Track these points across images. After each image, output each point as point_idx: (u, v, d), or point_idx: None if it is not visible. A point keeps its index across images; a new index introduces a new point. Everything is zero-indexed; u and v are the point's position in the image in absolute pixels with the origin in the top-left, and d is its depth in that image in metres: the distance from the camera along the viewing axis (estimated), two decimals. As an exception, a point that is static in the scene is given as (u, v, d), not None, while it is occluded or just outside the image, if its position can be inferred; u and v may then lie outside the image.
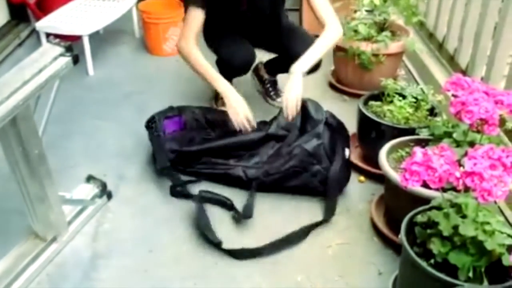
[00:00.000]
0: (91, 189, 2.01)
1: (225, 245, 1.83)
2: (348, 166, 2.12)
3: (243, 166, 2.12)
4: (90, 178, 2.04)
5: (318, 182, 2.03)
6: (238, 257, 1.80)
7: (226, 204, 2.03)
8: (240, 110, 2.16)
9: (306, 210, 2.01)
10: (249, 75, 2.67)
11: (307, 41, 2.34)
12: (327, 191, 2.02)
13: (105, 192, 2.03)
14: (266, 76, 2.76)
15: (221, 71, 2.36)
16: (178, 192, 2.09)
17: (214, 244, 1.83)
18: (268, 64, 2.75)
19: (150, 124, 2.27)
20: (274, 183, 2.06)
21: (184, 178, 2.16)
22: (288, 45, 2.42)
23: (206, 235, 1.86)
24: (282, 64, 2.52)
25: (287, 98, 2.15)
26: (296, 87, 2.14)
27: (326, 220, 1.94)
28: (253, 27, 2.46)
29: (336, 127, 2.12)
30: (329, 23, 2.26)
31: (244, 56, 2.40)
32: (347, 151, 2.12)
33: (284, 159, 2.06)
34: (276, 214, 2.00)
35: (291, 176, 2.04)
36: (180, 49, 2.28)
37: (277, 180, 2.06)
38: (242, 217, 1.95)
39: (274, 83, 2.76)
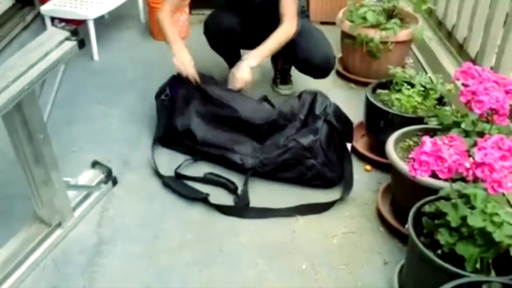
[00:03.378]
0: (96, 175, 2.00)
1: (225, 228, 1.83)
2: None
3: (241, 154, 2.12)
4: (95, 164, 2.04)
5: (312, 176, 2.03)
6: (226, 212, 1.92)
7: (230, 188, 2.04)
8: (183, 59, 2.27)
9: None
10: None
11: (320, 46, 2.39)
12: (344, 186, 2.03)
13: (110, 178, 2.03)
14: (280, 64, 2.73)
15: (206, 36, 2.55)
16: (181, 175, 2.09)
17: (202, 199, 1.95)
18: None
19: (161, 94, 2.33)
20: (268, 173, 2.08)
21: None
22: (297, 46, 2.40)
23: (192, 196, 1.98)
24: (293, 59, 2.50)
25: (235, 76, 2.26)
26: (241, 71, 2.25)
27: (324, 206, 1.95)
28: (247, 14, 2.42)
29: (337, 124, 2.09)
30: (285, 21, 2.30)
31: (220, 22, 2.45)
32: (348, 146, 2.11)
33: (280, 150, 2.06)
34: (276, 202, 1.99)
35: (285, 168, 2.05)
36: (157, 19, 2.42)
37: (271, 171, 2.07)
38: (239, 204, 1.97)
39: (285, 72, 2.74)
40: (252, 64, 2.25)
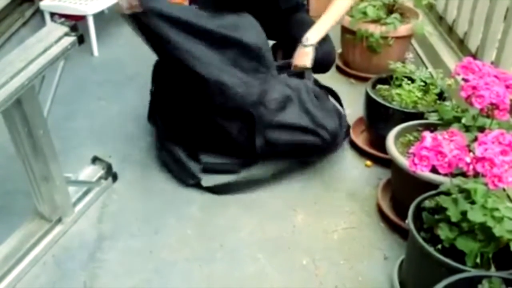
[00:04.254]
0: (96, 171, 2.00)
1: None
2: None
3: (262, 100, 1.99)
4: (95, 160, 2.04)
5: (311, 122, 2.00)
6: (218, 192, 1.98)
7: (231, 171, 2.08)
8: None
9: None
10: None
11: (321, 41, 2.30)
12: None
13: (110, 174, 2.02)
14: (280, 56, 2.69)
15: None
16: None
17: (195, 184, 2.01)
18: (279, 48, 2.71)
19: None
20: (277, 137, 2.02)
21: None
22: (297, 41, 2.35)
23: (184, 179, 2.04)
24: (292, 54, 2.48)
25: (295, 67, 2.21)
26: (303, 57, 2.20)
27: None
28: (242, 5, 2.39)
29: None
30: None
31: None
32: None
33: (302, 116, 2.01)
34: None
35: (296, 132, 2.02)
36: None
37: (278, 108, 2.01)
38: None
39: (281, 69, 2.71)
40: (312, 46, 2.21)
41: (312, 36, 2.22)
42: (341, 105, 2.22)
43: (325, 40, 2.37)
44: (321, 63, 2.41)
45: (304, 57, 2.21)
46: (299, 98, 2.03)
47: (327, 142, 2.02)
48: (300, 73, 2.15)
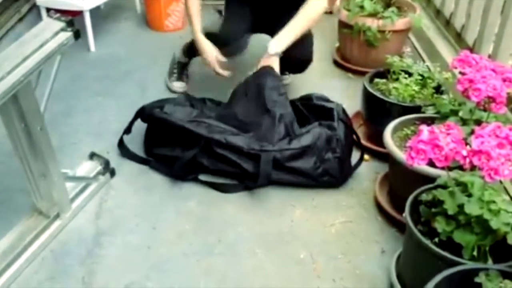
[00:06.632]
0: (94, 166, 2.00)
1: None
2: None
3: (255, 147, 1.98)
4: (93, 155, 2.03)
5: (323, 170, 1.96)
6: (218, 189, 2.00)
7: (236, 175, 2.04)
8: (210, 53, 2.26)
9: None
10: None
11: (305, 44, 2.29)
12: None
13: (108, 169, 2.02)
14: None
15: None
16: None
17: (192, 178, 2.03)
18: None
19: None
20: (285, 158, 1.97)
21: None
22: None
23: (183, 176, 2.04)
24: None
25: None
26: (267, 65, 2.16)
27: None
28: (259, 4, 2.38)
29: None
30: None
31: (230, 33, 2.30)
32: None
33: (317, 166, 1.97)
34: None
35: (301, 156, 1.97)
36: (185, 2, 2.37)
37: (288, 157, 1.96)
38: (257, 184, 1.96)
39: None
40: (277, 55, 2.14)
41: (276, 45, 2.14)
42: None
43: (304, 39, 2.25)
44: (297, 64, 2.34)
45: (268, 64, 2.15)
46: (318, 147, 1.96)
47: (331, 184, 2.00)
48: (325, 112, 2.09)
